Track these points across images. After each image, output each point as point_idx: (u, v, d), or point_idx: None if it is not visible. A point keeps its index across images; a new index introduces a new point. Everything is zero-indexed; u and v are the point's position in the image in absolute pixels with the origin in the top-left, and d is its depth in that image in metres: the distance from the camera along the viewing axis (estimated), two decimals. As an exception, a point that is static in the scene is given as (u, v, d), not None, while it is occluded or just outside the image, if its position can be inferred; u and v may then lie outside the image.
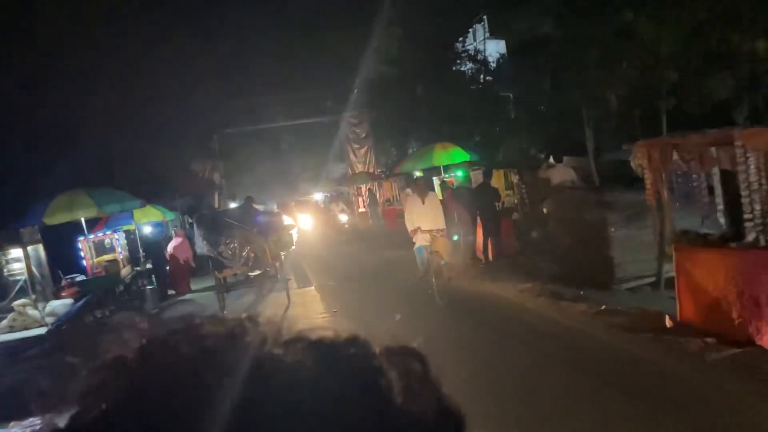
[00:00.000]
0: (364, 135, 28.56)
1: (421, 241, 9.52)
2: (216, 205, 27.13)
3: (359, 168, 28.35)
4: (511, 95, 28.58)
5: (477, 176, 13.50)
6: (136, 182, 20.97)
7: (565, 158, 12.45)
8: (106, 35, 22.86)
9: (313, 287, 12.56)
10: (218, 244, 10.76)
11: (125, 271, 12.28)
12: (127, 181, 20.99)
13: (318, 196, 44.85)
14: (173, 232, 15.38)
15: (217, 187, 27.23)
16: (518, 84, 25.82)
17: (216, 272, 10.83)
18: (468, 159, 16.34)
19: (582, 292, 8.87)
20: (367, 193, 27.87)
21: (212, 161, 27.00)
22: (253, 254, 10.84)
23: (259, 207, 16.20)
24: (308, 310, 10.41)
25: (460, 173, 17.45)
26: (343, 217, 20.01)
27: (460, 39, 32.68)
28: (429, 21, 28.94)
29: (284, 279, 11.52)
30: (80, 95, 20.26)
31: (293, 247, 13.57)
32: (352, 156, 28.57)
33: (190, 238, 17.79)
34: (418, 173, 17.30)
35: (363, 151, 28.58)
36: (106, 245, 12.30)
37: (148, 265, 14.43)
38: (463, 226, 12.23)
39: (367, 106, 28.77)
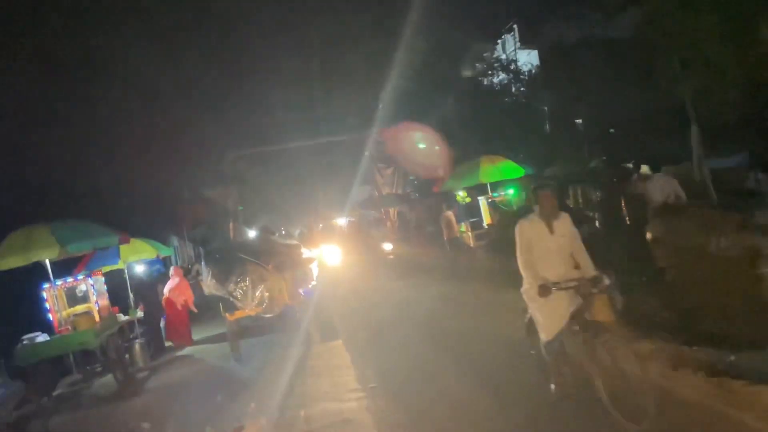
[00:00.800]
0: (390, 154, 25.93)
1: (554, 311, 5.05)
2: (231, 235, 24.70)
3: (386, 190, 25.69)
4: (546, 108, 26.10)
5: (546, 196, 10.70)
6: (128, 211, 18.60)
7: (663, 167, 9.59)
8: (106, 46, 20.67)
9: (340, 341, 9.80)
10: (228, 282, 9.40)
11: (104, 324, 9.65)
12: (119, 210, 18.74)
13: (341, 221, 42.34)
14: (171, 270, 12.76)
15: (232, 215, 24.72)
16: (558, 91, 23.24)
17: (227, 315, 9.66)
18: (521, 174, 13.61)
19: (732, 357, 6.01)
20: (396, 216, 25.19)
21: (225, 186, 24.51)
22: (267, 293, 9.44)
23: (278, 236, 13.76)
24: (335, 380, 7.65)
25: (511, 191, 14.73)
26: (387, 246, 16.66)
27: (486, 52, 30.25)
28: (456, 32, 26.41)
29: (303, 321, 10.25)
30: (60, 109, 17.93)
31: (313, 283, 11.49)
32: (378, 177, 25.94)
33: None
34: (461, 193, 14.59)
35: (389, 171, 25.92)
36: (78, 293, 9.73)
37: (140, 313, 11.85)
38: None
39: (392, 123, 26.23)
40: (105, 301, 10.09)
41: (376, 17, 28.94)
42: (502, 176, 13.48)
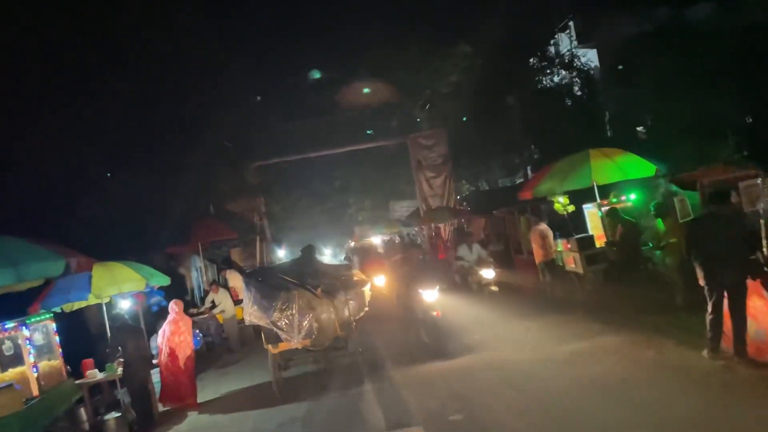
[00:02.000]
0: (440, 161, 22.21)
1: None
2: (258, 255, 21.24)
3: (435, 203, 21.96)
4: (607, 113, 22.41)
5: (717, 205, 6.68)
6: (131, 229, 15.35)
7: None
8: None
9: (419, 429, 6.11)
10: (272, 309, 8.26)
11: (45, 404, 6.09)
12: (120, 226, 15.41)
13: (376, 240, 38.55)
14: (171, 307, 9.18)
15: (258, 231, 21.18)
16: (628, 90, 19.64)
17: (270, 347, 8.57)
18: (651, 173, 9.76)
19: None
20: (448, 234, 21.43)
21: (250, 198, 21.04)
22: (316, 323, 8.33)
23: (324, 259, 10.84)
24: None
25: (633, 196, 10.90)
26: (488, 274, 11.41)
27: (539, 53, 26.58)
28: (507, 29, 22.83)
29: (355, 352, 9.07)
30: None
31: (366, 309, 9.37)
32: (425, 187, 22.18)
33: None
34: (561, 199, 10.82)
35: (439, 180, 22.20)
36: (5, 351, 6.20)
37: (119, 370, 8.32)
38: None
39: (441, 124, 22.60)
40: (54, 362, 6.55)
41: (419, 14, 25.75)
42: (624, 175, 9.65)
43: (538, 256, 11.10)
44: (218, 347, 13.69)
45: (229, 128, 20.41)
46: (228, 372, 11.68)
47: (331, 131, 22.61)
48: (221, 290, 13.75)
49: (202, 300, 14.97)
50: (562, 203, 10.80)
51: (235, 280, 16.63)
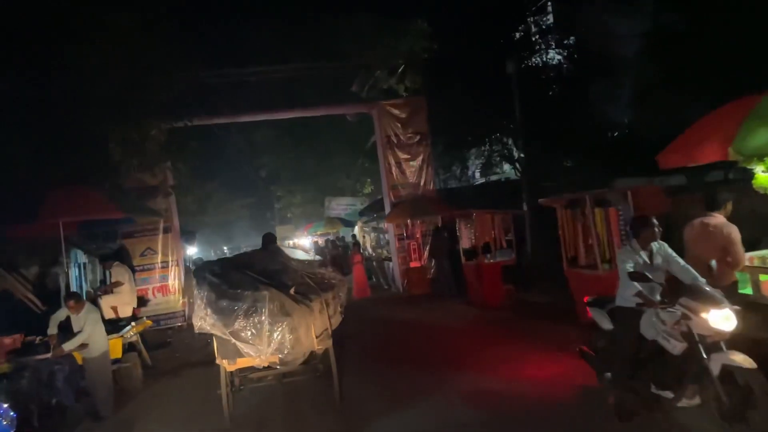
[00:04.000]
0: (417, 138, 16.90)
1: None
2: (160, 249, 15.14)
3: (405, 192, 16.64)
4: None
5: None
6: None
7: None
8: None
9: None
10: (234, 315, 6.16)
11: None
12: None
13: (305, 243, 32.82)
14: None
15: (163, 215, 14.84)
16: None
17: (225, 361, 6.45)
18: None
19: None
20: (420, 235, 16.22)
21: (152, 171, 14.70)
22: (291, 334, 6.21)
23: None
24: None
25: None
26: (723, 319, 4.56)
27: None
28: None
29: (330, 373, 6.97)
30: None
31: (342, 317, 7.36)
32: (395, 172, 16.79)
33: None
34: (760, 169, 5.66)
35: (414, 165, 16.87)
36: None
37: None
38: None
39: (421, 92, 17.28)
40: None
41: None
42: None
43: (726, 274, 5.82)
44: (70, 410, 7.59)
45: (128, 73, 14.10)
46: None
47: (270, 89, 16.76)
48: (87, 308, 7.71)
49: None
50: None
51: (121, 281, 10.65)
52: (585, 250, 9.46)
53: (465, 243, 14.17)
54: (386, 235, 20.13)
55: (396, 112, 16.77)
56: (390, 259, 17.61)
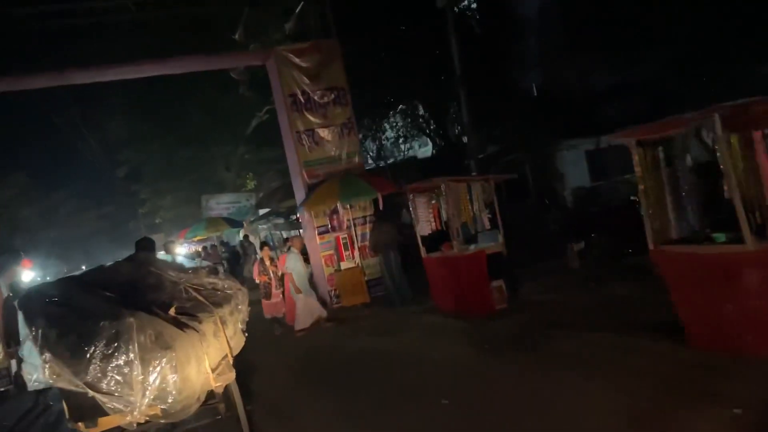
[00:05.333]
0: (332, 96, 12.49)
1: None
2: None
3: (321, 171, 12.24)
4: None
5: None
6: None
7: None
8: None
9: None
10: (87, 355, 4.67)
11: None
12: None
13: (181, 252, 27.33)
14: None
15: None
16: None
17: (81, 425, 4.93)
18: None
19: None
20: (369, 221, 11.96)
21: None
22: (175, 375, 4.86)
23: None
24: None
25: None
26: None
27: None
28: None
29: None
30: None
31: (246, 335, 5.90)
32: (307, 143, 12.28)
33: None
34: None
35: (335, 129, 12.45)
36: None
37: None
38: None
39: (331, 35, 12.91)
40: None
41: None
42: None
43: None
44: None
45: None
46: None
47: (117, 37, 11.71)
48: None
49: None
50: None
51: None
52: (700, 211, 5.63)
53: (424, 228, 10.07)
54: (293, 233, 15.64)
55: (300, 61, 12.35)
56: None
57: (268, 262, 10.46)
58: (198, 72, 20.78)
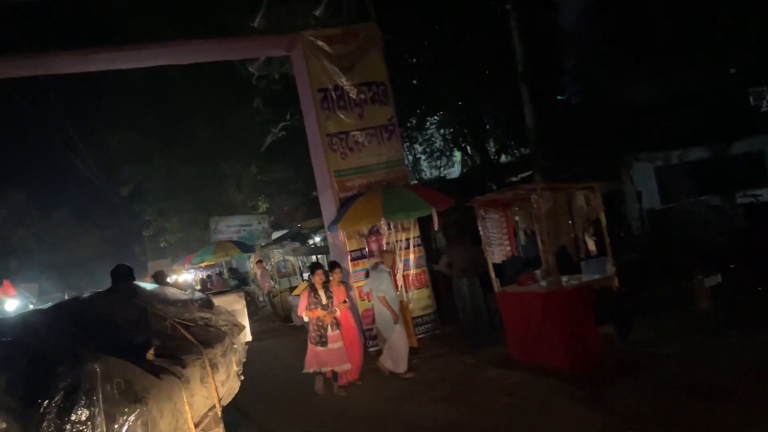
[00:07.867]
0: (370, 93, 10.23)
1: None
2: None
3: (356, 184, 9.95)
4: None
5: None
6: None
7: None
8: None
9: None
10: (38, 412, 3.60)
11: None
12: None
13: (188, 278, 25.04)
14: None
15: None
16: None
17: None
18: None
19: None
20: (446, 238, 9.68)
21: None
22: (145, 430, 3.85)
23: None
24: None
25: None
26: None
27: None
28: None
29: None
30: None
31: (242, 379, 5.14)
32: (340, 149, 9.99)
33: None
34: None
35: (371, 134, 10.17)
36: None
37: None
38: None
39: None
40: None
41: None
42: None
43: None
44: None
45: None
46: None
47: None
48: None
49: None
50: None
51: None
52: None
53: (496, 254, 7.70)
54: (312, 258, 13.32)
55: (332, 49, 10.14)
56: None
57: (321, 292, 7.89)
58: (209, 79, 18.85)
